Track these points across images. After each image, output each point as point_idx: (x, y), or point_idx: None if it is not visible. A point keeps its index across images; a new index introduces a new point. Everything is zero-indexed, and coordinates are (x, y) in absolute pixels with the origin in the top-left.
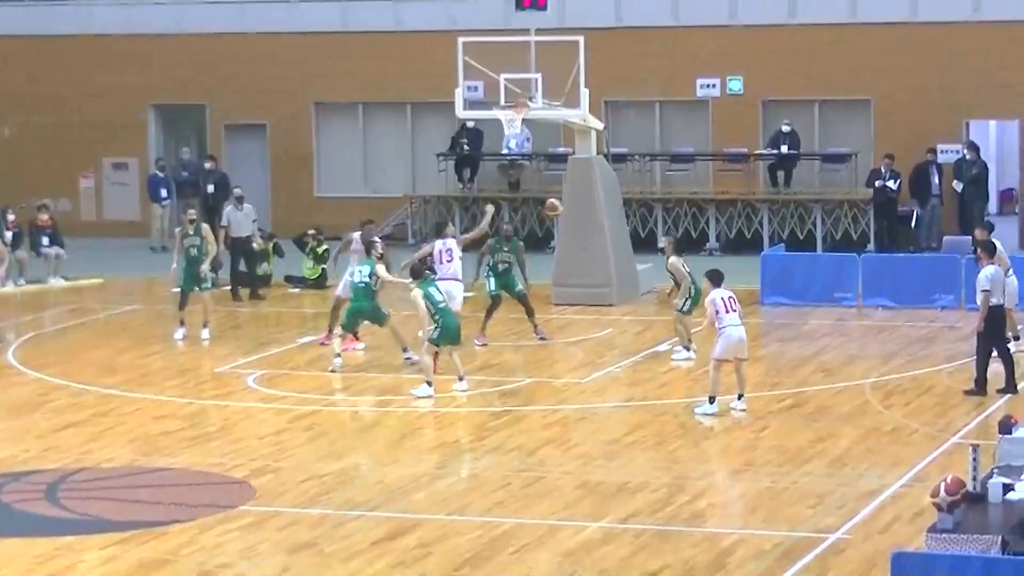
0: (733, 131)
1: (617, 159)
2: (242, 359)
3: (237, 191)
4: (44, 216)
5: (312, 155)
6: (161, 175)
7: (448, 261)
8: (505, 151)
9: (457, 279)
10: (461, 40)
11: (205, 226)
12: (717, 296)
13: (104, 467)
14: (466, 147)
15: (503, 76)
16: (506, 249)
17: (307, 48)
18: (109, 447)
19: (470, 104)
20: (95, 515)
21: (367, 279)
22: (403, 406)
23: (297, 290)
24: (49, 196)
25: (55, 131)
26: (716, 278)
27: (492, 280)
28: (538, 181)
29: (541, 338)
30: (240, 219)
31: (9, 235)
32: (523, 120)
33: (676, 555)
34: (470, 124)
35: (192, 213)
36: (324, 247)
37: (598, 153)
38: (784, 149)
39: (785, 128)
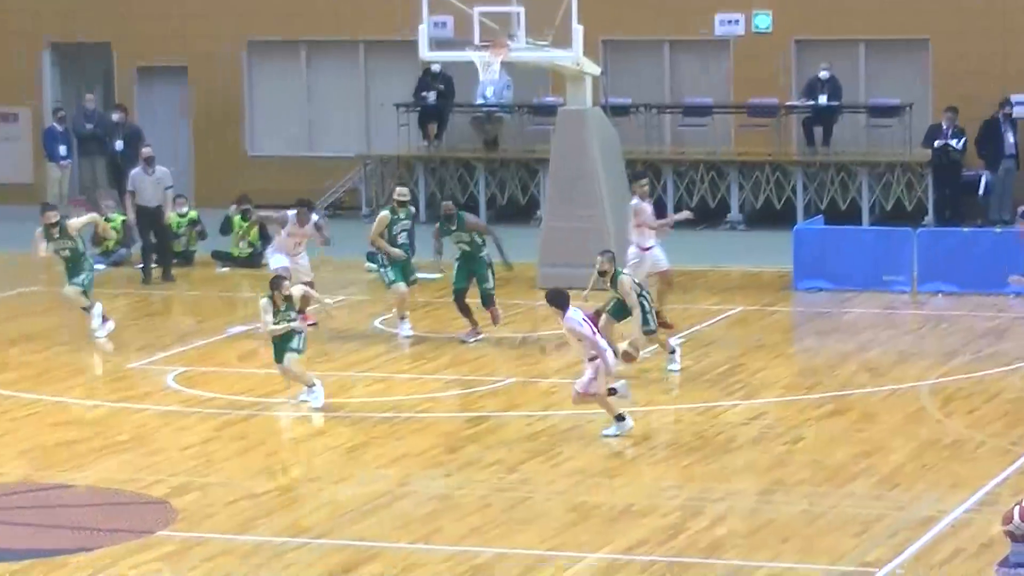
0: (759, 78)
1: (618, 111)
2: (160, 353)
3: (146, 151)
4: None
5: (243, 105)
6: (59, 128)
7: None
8: (480, 101)
9: None
10: None
11: (71, 221)
12: (578, 317)
13: (42, 483)
14: (432, 97)
15: (477, 9)
16: (454, 229)
17: None
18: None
19: (437, 44)
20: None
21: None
22: (356, 410)
23: (226, 269)
24: None
25: None
26: (562, 300)
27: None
28: (521, 138)
29: (461, 340)
30: (148, 185)
31: None
32: (502, 64)
33: None
34: (436, 68)
35: (52, 216)
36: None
37: (594, 104)
38: (822, 100)
39: (823, 74)
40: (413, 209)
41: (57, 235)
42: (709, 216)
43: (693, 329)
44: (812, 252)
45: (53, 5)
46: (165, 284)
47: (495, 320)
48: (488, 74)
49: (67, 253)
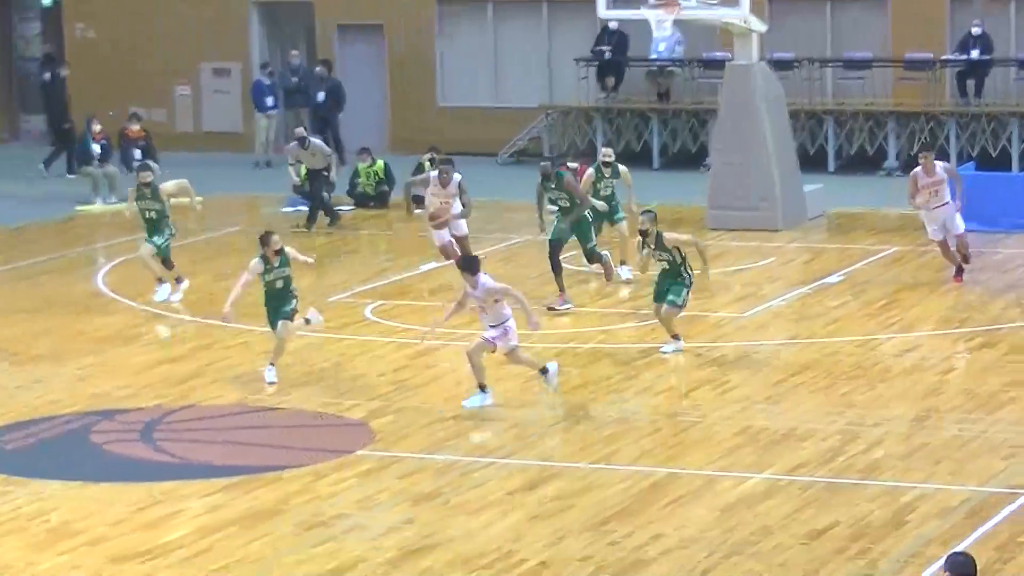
0: (916, 33)
1: (782, 66)
2: (358, 288)
3: (299, 131)
4: (135, 127)
5: (435, 60)
6: (267, 82)
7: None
8: (654, 56)
9: None
10: None
11: (163, 185)
12: (489, 279)
13: (206, 406)
14: (609, 52)
15: None
16: (554, 186)
17: None
18: (212, 384)
19: (614, 3)
20: (197, 459)
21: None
22: (538, 342)
23: (420, 211)
24: (141, 105)
25: (148, 33)
26: (475, 266)
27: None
28: (691, 91)
29: (549, 307)
30: (306, 157)
31: (96, 147)
32: (674, 21)
33: (848, 511)
34: (613, 26)
35: (146, 176)
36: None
37: (760, 59)
38: (974, 55)
39: (975, 30)
40: (622, 167)
41: (148, 195)
42: (867, 163)
43: (852, 267)
44: (964, 195)
45: None
46: (356, 226)
47: (608, 275)
48: (661, 31)
49: (152, 215)
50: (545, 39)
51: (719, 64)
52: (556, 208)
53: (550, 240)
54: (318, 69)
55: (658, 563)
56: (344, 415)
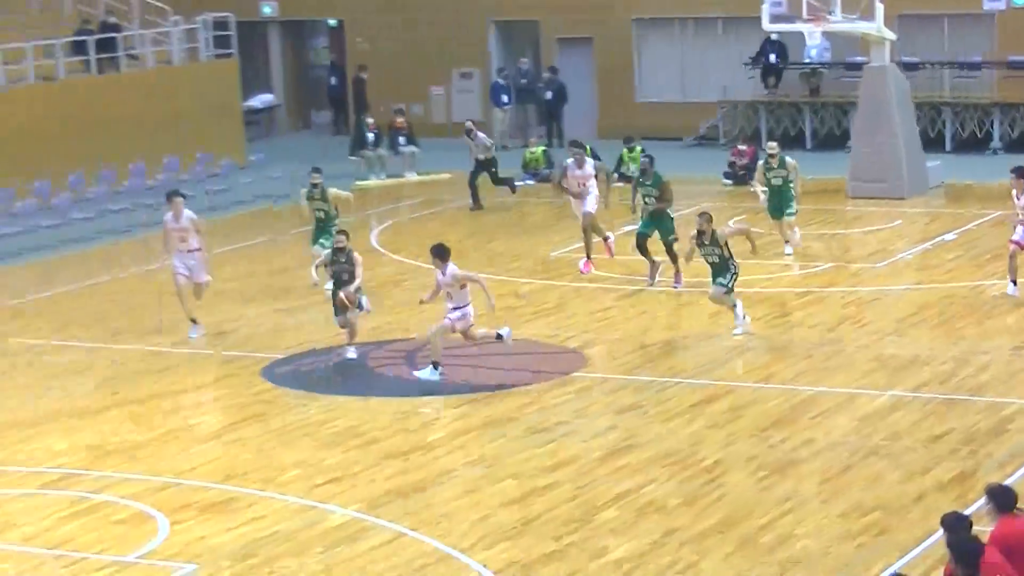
0: (1017, 40)
1: (909, 67)
2: (575, 243)
3: (467, 124)
4: (400, 119)
5: (633, 65)
6: (502, 83)
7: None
8: (806, 60)
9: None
10: None
11: (331, 189)
12: (457, 269)
13: (456, 337)
14: (771, 57)
15: None
16: (648, 183)
17: None
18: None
19: (775, 18)
20: (450, 378)
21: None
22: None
23: (621, 184)
24: (404, 102)
25: (410, 46)
26: (445, 253)
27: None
28: (837, 87)
29: (675, 286)
30: (472, 148)
31: (370, 136)
32: (822, 32)
33: (960, 421)
34: (775, 36)
35: (316, 178)
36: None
37: (891, 61)
38: None
39: None
40: (788, 159)
41: (317, 196)
42: (977, 144)
43: (965, 228)
44: None
45: None
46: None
47: (677, 281)
48: (812, 40)
49: (320, 215)
50: (721, 47)
51: (859, 66)
52: (645, 203)
53: (638, 232)
54: (546, 74)
55: (808, 462)
56: (563, 344)
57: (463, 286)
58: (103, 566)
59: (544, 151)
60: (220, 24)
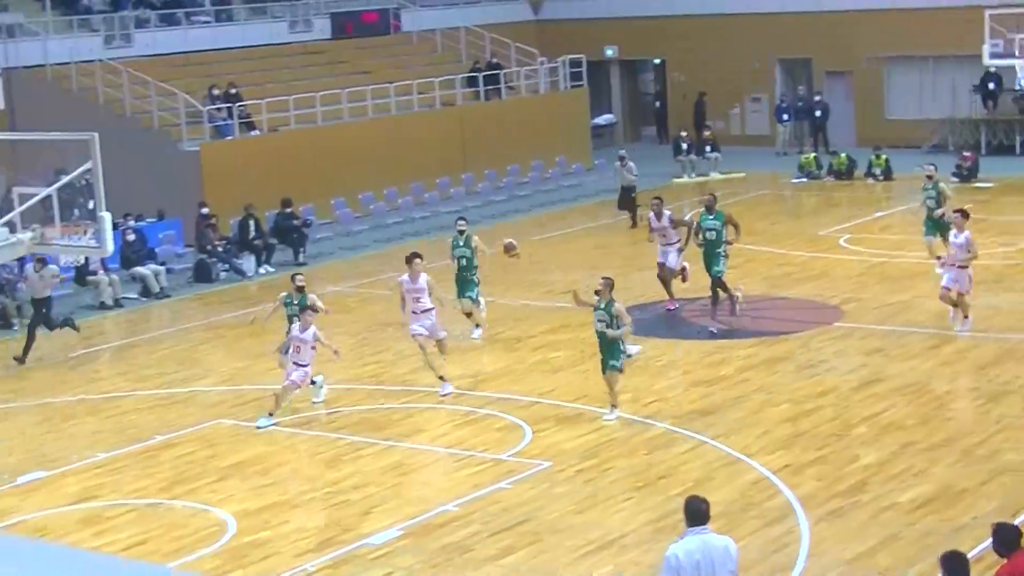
0: None
1: None
2: (837, 226)
3: (620, 152)
4: (708, 132)
5: (883, 90)
6: (783, 105)
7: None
8: (1017, 87)
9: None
10: (987, 12)
11: (476, 238)
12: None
13: (746, 295)
14: (990, 84)
15: (1018, 36)
16: (711, 217)
17: (878, 17)
18: (748, 283)
19: (993, 55)
20: (741, 327)
21: None
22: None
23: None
24: (710, 119)
25: (714, 79)
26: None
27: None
28: None
29: (711, 331)
30: (623, 176)
31: (685, 145)
32: None
33: None
34: (993, 69)
35: (461, 224)
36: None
37: None
38: None
39: None
40: (941, 184)
41: (461, 243)
42: None
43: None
44: None
45: (781, 37)
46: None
47: (733, 310)
48: (1022, 72)
49: (463, 261)
50: (951, 76)
51: None
52: (706, 237)
53: (713, 274)
54: (817, 98)
55: (1016, 393)
56: (825, 301)
57: (429, 294)
58: (484, 461)
59: (815, 156)
60: (575, 63)
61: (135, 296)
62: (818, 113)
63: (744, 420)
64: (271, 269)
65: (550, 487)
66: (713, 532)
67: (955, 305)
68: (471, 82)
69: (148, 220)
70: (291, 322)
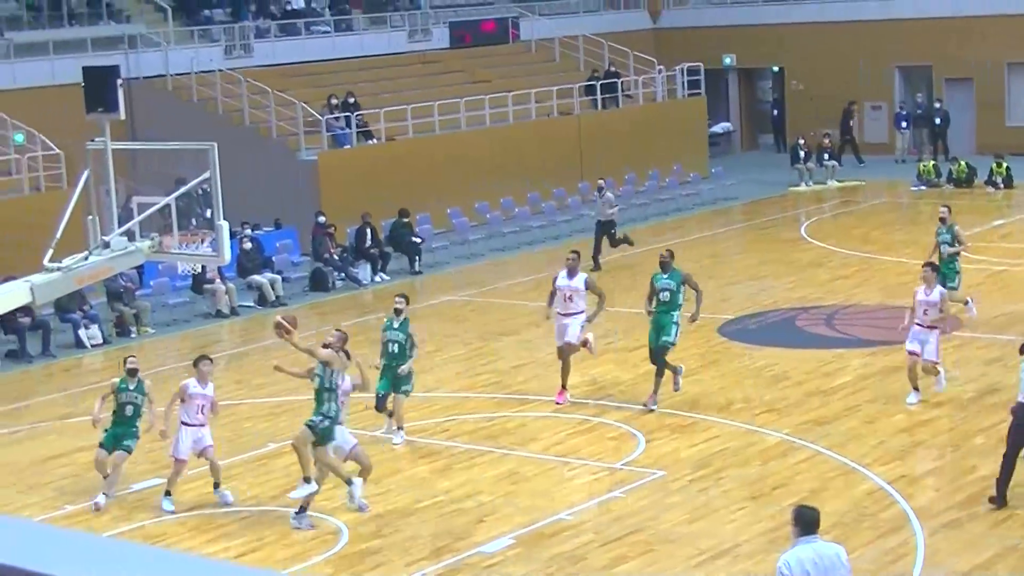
0: None
1: None
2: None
3: (600, 181)
4: (826, 140)
5: (1004, 97)
6: (902, 112)
7: None
8: None
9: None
10: None
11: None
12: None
13: (862, 304)
14: None
15: None
16: (665, 276)
17: (999, 23)
18: (865, 292)
19: None
20: (857, 336)
21: None
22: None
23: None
24: (829, 127)
25: (833, 85)
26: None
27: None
28: None
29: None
30: (600, 207)
31: (802, 153)
32: None
33: None
34: None
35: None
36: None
37: None
38: None
39: None
40: (957, 228)
41: (395, 326)
42: None
43: None
44: None
45: (901, 44)
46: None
47: (676, 383)
48: None
49: (394, 348)
50: None
51: None
52: (659, 299)
53: (657, 345)
54: (937, 105)
55: None
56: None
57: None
58: (598, 470)
59: (934, 164)
60: (692, 71)
61: (251, 304)
62: (938, 120)
63: (859, 430)
64: (386, 277)
65: (663, 496)
66: (823, 540)
67: (926, 373)
68: (589, 91)
69: (265, 229)
70: (123, 410)
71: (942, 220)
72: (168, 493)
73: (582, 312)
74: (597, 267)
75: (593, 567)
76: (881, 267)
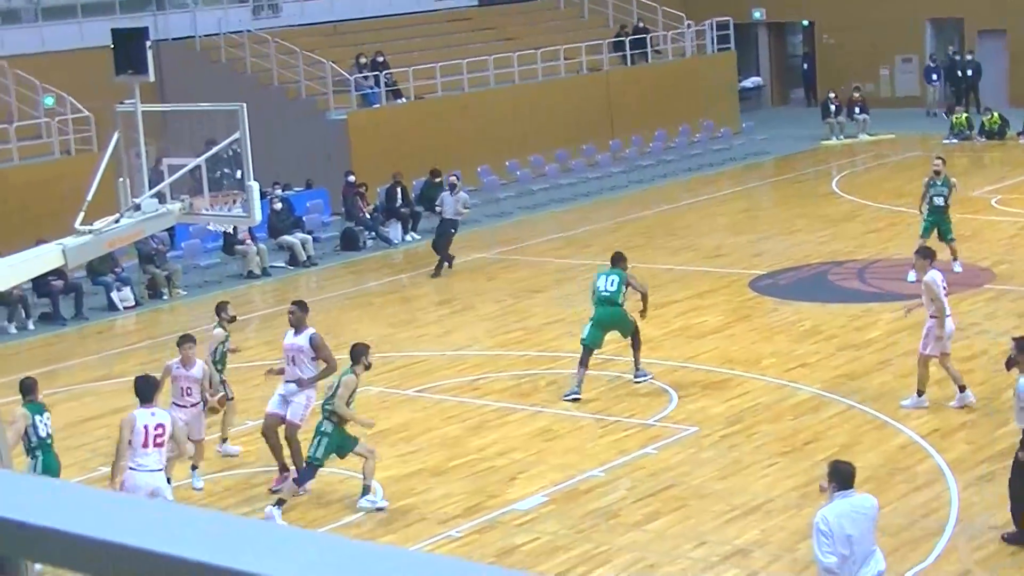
0: None
1: None
2: (988, 187)
3: (451, 178)
4: (857, 94)
5: None
6: (933, 66)
7: None
8: None
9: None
10: None
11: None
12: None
13: (895, 258)
14: None
15: None
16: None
17: None
18: (897, 246)
19: None
20: (887, 290)
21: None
22: None
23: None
24: (860, 80)
25: (863, 39)
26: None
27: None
28: None
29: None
30: (448, 205)
31: (833, 107)
32: None
33: None
34: None
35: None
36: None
37: None
38: None
39: None
40: (952, 180)
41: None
42: None
43: None
44: None
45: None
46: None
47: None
48: None
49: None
50: None
51: None
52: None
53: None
54: (969, 57)
55: None
56: (976, 264)
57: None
58: (630, 427)
59: (967, 117)
60: (722, 26)
61: (282, 265)
62: (969, 72)
63: (891, 384)
64: (417, 237)
65: (696, 452)
66: (858, 493)
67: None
68: (617, 47)
69: (295, 189)
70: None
71: (936, 173)
72: (194, 467)
73: (309, 385)
74: (450, 266)
75: (626, 523)
76: (913, 220)
